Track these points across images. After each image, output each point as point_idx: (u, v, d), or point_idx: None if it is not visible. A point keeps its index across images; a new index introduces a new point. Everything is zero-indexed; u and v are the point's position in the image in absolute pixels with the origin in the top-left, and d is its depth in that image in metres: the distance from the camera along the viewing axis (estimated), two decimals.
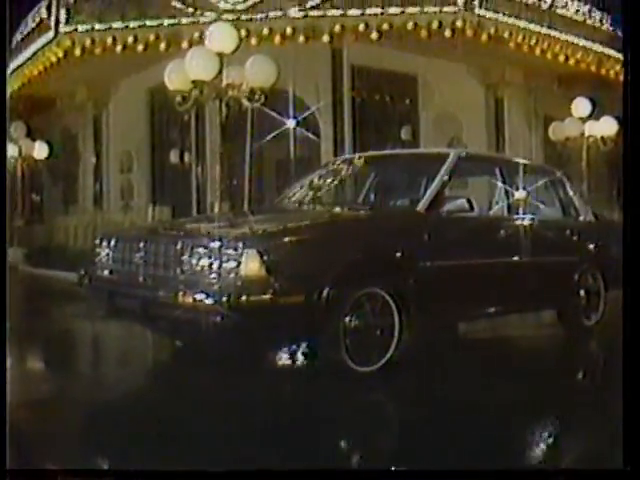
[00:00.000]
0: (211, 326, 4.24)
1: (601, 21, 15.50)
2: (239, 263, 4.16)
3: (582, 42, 14.87)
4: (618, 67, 15.50)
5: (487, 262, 5.34)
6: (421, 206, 5.12)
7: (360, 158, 7.00)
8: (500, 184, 5.92)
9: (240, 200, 10.29)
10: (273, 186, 15.03)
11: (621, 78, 15.19)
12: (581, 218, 6.73)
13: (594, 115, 15.23)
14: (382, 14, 12.56)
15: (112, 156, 16.92)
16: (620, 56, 15.32)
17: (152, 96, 15.53)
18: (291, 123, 12.27)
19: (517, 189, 6.08)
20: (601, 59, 15.35)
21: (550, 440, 3.69)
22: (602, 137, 15.33)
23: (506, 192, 5.94)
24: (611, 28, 15.68)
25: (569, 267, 6.36)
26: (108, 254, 5.14)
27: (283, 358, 5.36)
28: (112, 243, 5.13)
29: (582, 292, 6.46)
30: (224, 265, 4.20)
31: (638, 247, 3.39)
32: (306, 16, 12.63)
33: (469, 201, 5.05)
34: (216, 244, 4.29)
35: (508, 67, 15.48)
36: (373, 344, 4.58)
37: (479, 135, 15.61)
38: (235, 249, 4.19)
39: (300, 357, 5.23)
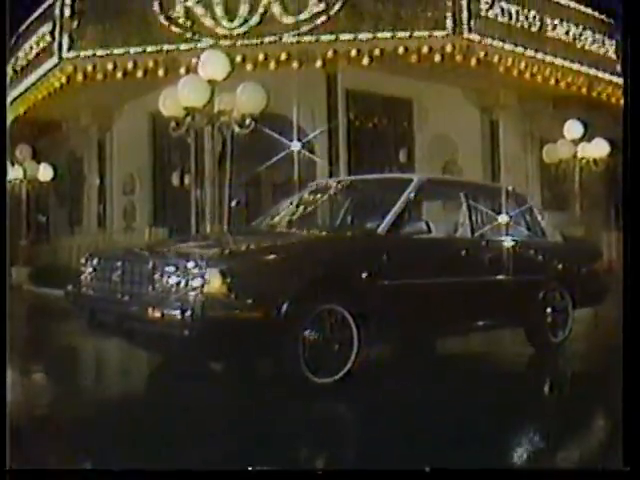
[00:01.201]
0: (179, 340, 4.58)
1: (592, 42, 15.72)
2: (204, 281, 4.48)
3: (572, 65, 15.06)
4: (610, 89, 15.75)
5: (446, 281, 5.57)
6: (381, 228, 5.41)
7: (338, 182, 7.35)
8: (464, 208, 6.18)
9: (231, 222, 10.60)
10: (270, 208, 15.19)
11: (613, 100, 15.48)
12: (548, 239, 6.97)
13: (586, 137, 15.53)
14: (373, 39, 12.88)
15: (115, 178, 17.28)
16: (612, 78, 15.61)
17: (153, 120, 15.80)
18: (295, 146, 12.49)
19: (483, 212, 6.35)
20: (592, 81, 15.55)
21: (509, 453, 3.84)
22: (594, 159, 15.63)
23: (470, 215, 6.19)
24: (602, 50, 15.91)
25: (535, 286, 6.54)
26: (91, 273, 5.48)
27: (244, 369, 5.64)
28: (95, 262, 5.47)
29: (549, 310, 6.64)
30: (190, 283, 4.53)
31: (637, 261, 3.48)
32: (299, 42, 12.98)
33: (427, 224, 5.36)
34: (183, 263, 4.63)
35: (503, 90, 15.70)
36: (332, 357, 4.85)
37: (475, 157, 15.87)
38: (200, 268, 4.52)
39: (261, 368, 5.51)
